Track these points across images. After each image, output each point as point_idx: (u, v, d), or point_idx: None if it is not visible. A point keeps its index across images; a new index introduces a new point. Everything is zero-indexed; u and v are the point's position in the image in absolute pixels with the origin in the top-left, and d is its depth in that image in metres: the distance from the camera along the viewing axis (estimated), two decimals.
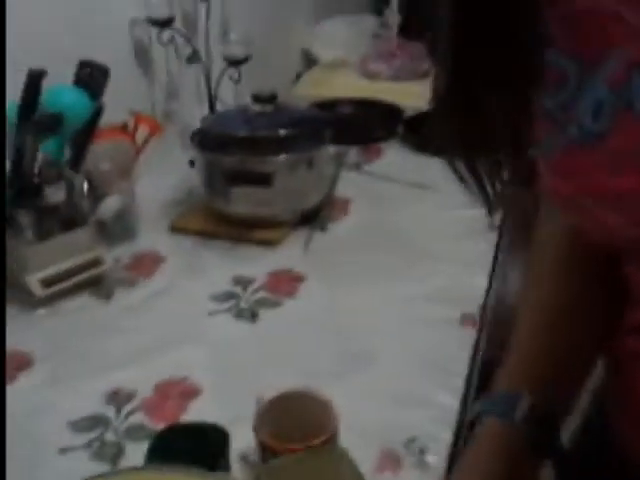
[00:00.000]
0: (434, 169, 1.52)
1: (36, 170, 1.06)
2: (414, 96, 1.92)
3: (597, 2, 0.40)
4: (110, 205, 1.16)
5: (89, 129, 1.10)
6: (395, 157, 1.63)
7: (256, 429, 0.73)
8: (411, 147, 1.66)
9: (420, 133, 1.67)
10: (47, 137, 1.05)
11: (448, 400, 0.90)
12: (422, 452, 0.82)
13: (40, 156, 1.06)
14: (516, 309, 0.69)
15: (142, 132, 1.25)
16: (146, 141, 1.26)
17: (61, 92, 1.06)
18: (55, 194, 1.07)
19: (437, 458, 0.81)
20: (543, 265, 0.64)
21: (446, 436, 0.85)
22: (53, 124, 1.04)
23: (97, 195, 1.14)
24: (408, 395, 0.91)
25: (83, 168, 1.10)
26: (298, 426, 0.74)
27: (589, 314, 0.60)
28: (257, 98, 1.33)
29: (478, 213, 1.37)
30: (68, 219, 1.10)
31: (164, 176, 1.41)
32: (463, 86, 0.50)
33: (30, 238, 1.06)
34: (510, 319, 0.69)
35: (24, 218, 1.05)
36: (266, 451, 0.72)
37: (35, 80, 1.01)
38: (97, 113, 1.10)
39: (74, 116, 1.07)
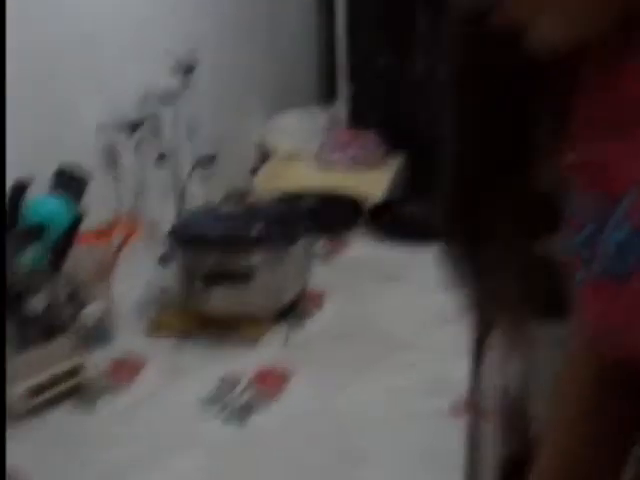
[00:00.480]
0: (400, 257, 1.57)
1: (16, 281, 1.04)
2: (371, 184, 1.98)
3: None
4: (92, 312, 1.15)
5: (69, 235, 1.10)
6: (361, 247, 1.66)
7: None
8: (375, 236, 1.69)
9: (382, 222, 1.72)
10: (28, 246, 1.05)
11: None
12: None
13: (20, 265, 1.05)
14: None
15: (119, 236, 1.25)
16: (123, 244, 1.26)
17: (43, 202, 1.07)
18: (37, 303, 1.06)
19: None
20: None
21: None
22: (35, 234, 1.04)
23: (77, 301, 1.13)
24: None
25: (63, 273, 1.10)
26: None
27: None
28: (228, 197, 1.36)
29: (448, 297, 1.44)
30: (49, 327, 1.09)
31: (135, 276, 1.41)
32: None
33: (10, 349, 1.04)
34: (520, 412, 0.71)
35: (7, 328, 1.03)
36: None
37: (18, 192, 1.02)
38: (78, 220, 1.10)
39: (56, 224, 1.07)
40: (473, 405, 1.10)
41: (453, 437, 1.00)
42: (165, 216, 1.46)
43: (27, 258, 1.06)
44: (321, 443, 1.01)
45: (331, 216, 1.75)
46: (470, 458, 0.96)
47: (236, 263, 1.25)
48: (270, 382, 1.14)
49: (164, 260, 1.50)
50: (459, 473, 0.94)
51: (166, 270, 1.44)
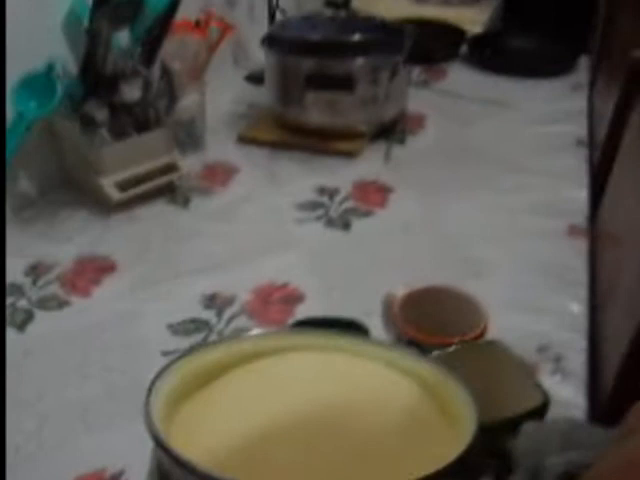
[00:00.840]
0: (503, 87, 1.44)
1: (110, 63, 0.97)
2: (470, 16, 1.85)
3: None
4: (187, 107, 1.07)
5: (166, 20, 1.01)
6: (460, 76, 1.53)
7: (395, 324, 0.67)
8: (475, 67, 1.57)
9: (483, 54, 1.59)
10: (124, 25, 0.96)
11: (575, 308, 0.83)
12: (558, 359, 0.75)
13: (115, 48, 0.97)
14: None
15: (215, 31, 1.15)
16: (218, 41, 1.16)
17: None
18: (130, 91, 0.99)
19: (575, 365, 0.75)
20: None
21: (580, 343, 0.78)
22: (131, 10, 0.95)
23: (172, 94, 1.05)
24: (531, 303, 0.84)
25: (158, 61, 1.01)
26: (439, 322, 0.67)
27: None
28: (330, 3, 1.24)
29: (561, 129, 1.33)
30: (143, 120, 1.02)
31: (219, 90, 1.32)
32: None
33: (105, 137, 0.98)
34: None
35: (98, 114, 0.96)
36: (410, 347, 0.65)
37: None
38: (175, 3, 1.00)
39: (151, 5, 0.98)
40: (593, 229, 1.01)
41: (572, 256, 0.92)
42: (255, 31, 1.36)
43: (121, 39, 0.97)
44: (435, 251, 0.94)
45: (429, 44, 1.62)
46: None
47: (335, 68, 1.15)
48: (372, 193, 1.07)
49: (254, 78, 1.41)
50: (580, 289, 0.86)
51: (256, 87, 1.35)
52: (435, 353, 0.59)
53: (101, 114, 0.96)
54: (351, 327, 0.65)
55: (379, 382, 0.51)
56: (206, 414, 0.49)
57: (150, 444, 0.63)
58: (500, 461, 0.47)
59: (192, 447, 0.43)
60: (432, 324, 0.66)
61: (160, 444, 0.42)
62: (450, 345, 0.62)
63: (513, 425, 0.52)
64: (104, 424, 0.68)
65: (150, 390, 0.47)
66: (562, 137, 1.25)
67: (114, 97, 0.98)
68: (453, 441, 0.43)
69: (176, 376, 0.50)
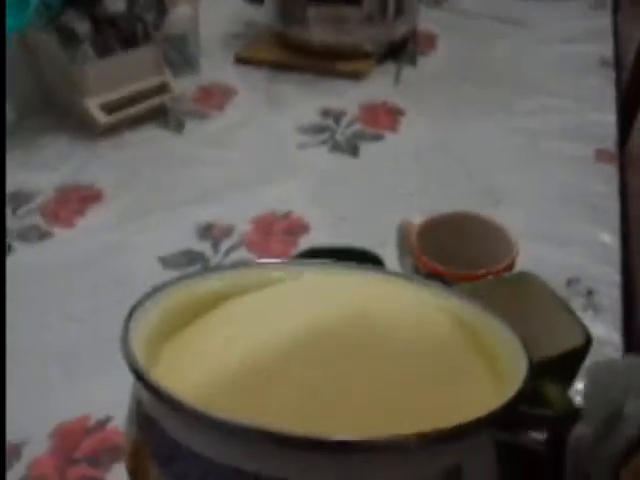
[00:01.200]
0: (519, 6, 1.34)
1: None
2: None
3: None
4: (178, 19, 0.98)
5: None
6: None
7: (412, 256, 0.59)
8: None
9: None
10: None
11: (605, 238, 0.76)
12: (590, 293, 0.68)
13: None
14: None
15: None
16: None
17: None
18: (114, 1, 0.89)
19: (608, 299, 0.68)
20: None
21: (613, 276, 0.71)
22: None
23: (161, 5, 0.95)
24: (558, 233, 0.76)
25: None
26: (461, 253, 0.60)
27: None
28: None
29: (583, 49, 1.23)
30: (129, 35, 0.93)
31: (214, 6, 1.21)
32: None
33: (89, 53, 0.89)
34: None
35: (79, 26, 0.87)
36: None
37: None
38: None
39: None
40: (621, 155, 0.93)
41: (600, 182, 0.84)
42: None
43: None
44: (452, 179, 0.86)
45: None
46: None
47: None
48: (382, 116, 0.98)
49: None
50: (611, 218, 0.78)
51: (254, 5, 1.25)
52: (462, 286, 0.51)
53: (82, 27, 0.87)
54: (364, 258, 0.57)
55: (406, 312, 0.43)
56: (198, 345, 0.41)
57: None
58: (548, 409, 0.40)
59: (179, 382, 0.36)
60: (454, 255, 0.59)
61: (137, 374, 0.34)
62: (475, 278, 0.55)
63: (554, 367, 0.45)
64: (88, 372, 0.62)
65: (131, 315, 0.39)
66: (584, 57, 1.16)
67: (96, 8, 0.88)
68: (494, 384, 0.36)
69: (163, 305, 0.42)
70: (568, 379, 0.49)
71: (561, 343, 0.49)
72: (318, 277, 0.46)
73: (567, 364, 0.49)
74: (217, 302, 0.44)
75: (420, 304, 0.44)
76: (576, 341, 0.49)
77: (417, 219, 0.63)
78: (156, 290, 0.42)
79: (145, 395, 0.35)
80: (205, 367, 0.38)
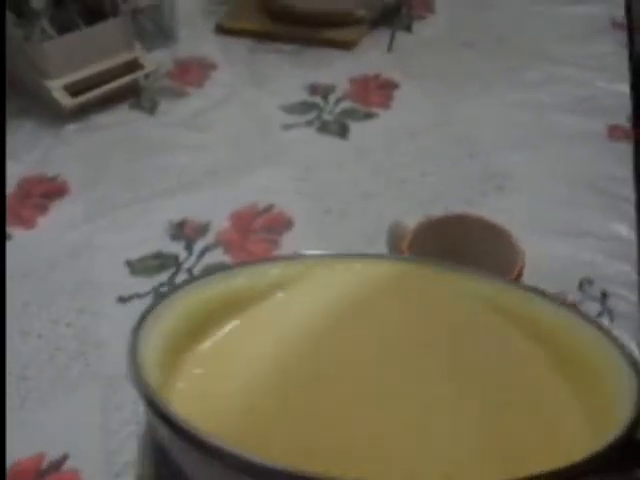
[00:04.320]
0: None
1: None
2: None
3: None
4: None
5: None
6: None
7: None
8: None
9: None
10: None
11: (623, 230, 0.68)
12: (605, 296, 0.61)
13: None
14: None
15: None
16: None
17: None
18: None
19: (626, 304, 0.61)
20: None
21: (631, 276, 0.64)
22: None
23: None
24: (567, 224, 0.69)
25: None
26: (459, 261, 0.52)
27: None
28: None
29: (592, 10, 1.14)
30: (95, 8, 0.84)
31: None
32: None
33: (48, 30, 0.81)
34: None
35: (36, 1, 0.79)
36: None
37: None
38: None
39: None
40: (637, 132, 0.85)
41: (614, 163, 0.76)
42: None
43: None
44: (451, 162, 0.79)
45: None
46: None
47: None
48: (374, 90, 0.90)
49: None
50: (627, 206, 0.71)
51: None
52: None
53: (39, 1, 0.79)
54: None
55: (465, 316, 0.36)
56: (221, 362, 0.33)
57: (98, 421, 0.51)
58: None
59: (201, 410, 0.29)
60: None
61: (153, 407, 0.27)
62: None
63: None
64: (44, 398, 0.55)
65: (137, 330, 0.31)
66: (594, 19, 1.07)
67: None
68: (587, 411, 0.29)
69: (177, 312, 0.34)
70: None
71: None
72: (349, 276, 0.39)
73: None
74: (239, 303, 0.36)
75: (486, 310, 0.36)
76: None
77: (410, 221, 0.55)
78: (171, 292, 0.34)
79: (160, 426, 0.28)
80: (229, 393, 0.31)
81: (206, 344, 0.34)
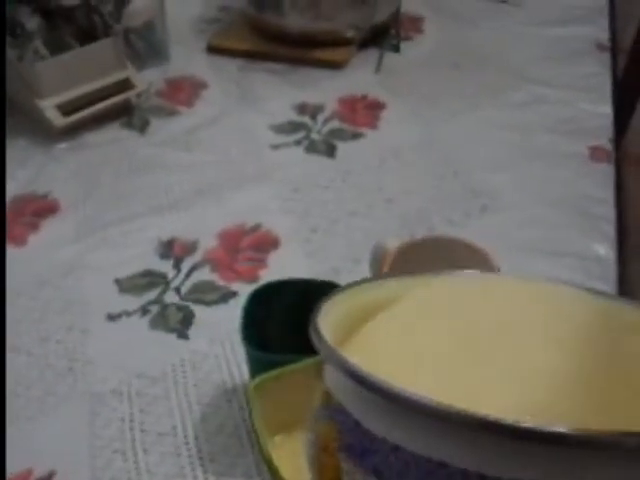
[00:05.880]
0: None
1: None
2: None
3: None
4: (138, 9, 0.91)
5: None
6: None
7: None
8: None
9: None
10: None
11: (602, 250, 0.70)
12: None
13: None
14: None
15: None
16: None
17: None
18: None
19: None
20: None
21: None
22: None
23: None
24: (547, 244, 0.71)
25: None
26: None
27: None
28: None
29: (578, 31, 1.16)
30: (87, 28, 0.86)
31: None
32: None
33: (41, 50, 0.82)
34: None
35: (31, 22, 0.80)
36: None
37: None
38: None
39: None
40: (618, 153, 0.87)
41: (596, 184, 0.78)
42: None
43: None
44: (435, 182, 0.80)
45: None
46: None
47: None
48: (361, 111, 0.92)
49: None
50: (607, 226, 0.73)
51: None
52: None
53: (32, 22, 0.80)
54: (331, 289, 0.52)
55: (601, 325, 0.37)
56: (384, 338, 0.36)
57: (85, 438, 0.51)
58: None
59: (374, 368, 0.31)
60: None
61: (333, 358, 0.30)
62: None
63: None
64: (33, 414, 0.56)
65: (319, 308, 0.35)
66: (579, 40, 1.09)
67: (48, 1, 0.81)
68: None
69: (348, 304, 0.38)
70: None
71: None
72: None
73: None
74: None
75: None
76: None
77: (391, 243, 0.57)
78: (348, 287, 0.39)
79: (337, 384, 0.31)
80: (399, 351, 0.34)
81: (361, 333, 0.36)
